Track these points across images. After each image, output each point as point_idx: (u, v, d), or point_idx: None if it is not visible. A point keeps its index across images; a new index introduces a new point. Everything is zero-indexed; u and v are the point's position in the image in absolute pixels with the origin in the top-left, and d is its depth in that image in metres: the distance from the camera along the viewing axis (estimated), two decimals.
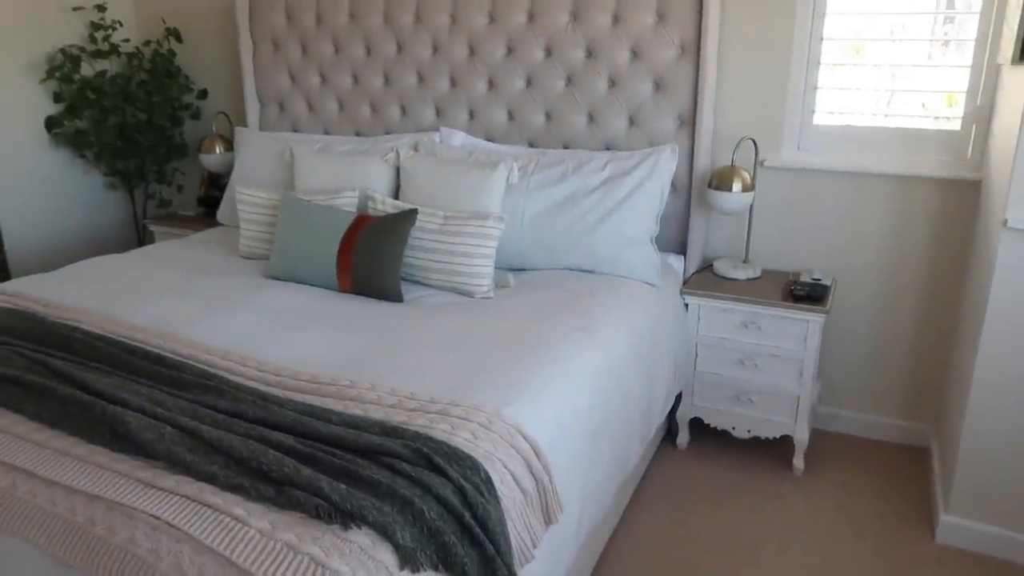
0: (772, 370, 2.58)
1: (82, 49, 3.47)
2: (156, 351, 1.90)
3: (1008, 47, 2.15)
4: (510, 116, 2.96)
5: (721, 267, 2.74)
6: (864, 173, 2.67)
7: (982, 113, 2.51)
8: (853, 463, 2.73)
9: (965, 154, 2.58)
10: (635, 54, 2.72)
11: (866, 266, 2.75)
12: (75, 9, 3.48)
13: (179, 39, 3.63)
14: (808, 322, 2.49)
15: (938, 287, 2.68)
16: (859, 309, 2.79)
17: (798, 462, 2.64)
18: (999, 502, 2.19)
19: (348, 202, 2.64)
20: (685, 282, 2.71)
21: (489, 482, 1.46)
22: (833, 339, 2.83)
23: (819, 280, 2.61)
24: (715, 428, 2.73)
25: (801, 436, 2.60)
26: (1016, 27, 2.06)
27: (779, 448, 2.75)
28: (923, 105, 2.65)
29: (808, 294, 2.51)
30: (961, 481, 2.23)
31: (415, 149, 2.86)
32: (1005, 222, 2.02)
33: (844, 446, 2.84)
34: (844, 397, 2.90)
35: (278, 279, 2.50)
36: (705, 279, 2.71)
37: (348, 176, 2.74)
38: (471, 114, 3.03)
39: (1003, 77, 2.38)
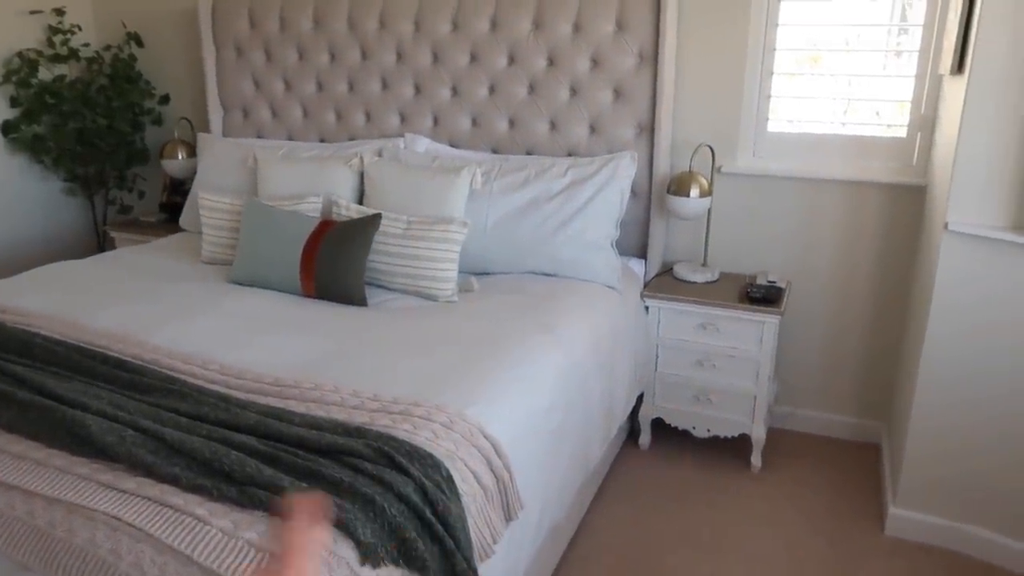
0: (730, 370, 2.65)
1: (39, 53, 3.43)
2: (117, 356, 1.89)
3: (948, 58, 2.24)
4: (474, 123, 3.00)
5: (680, 271, 2.80)
6: (817, 179, 2.76)
7: (926, 121, 2.62)
8: (808, 460, 2.81)
9: (911, 160, 2.68)
10: (595, 63, 2.78)
11: (820, 269, 2.84)
12: (32, 12, 3.44)
13: (140, 44, 3.61)
14: (763, 323, 2.56)
15: (888, 289, 2.77)
16: (813, 311, 2.88)
17: (756, 460, 2.71)
18: (944, 495, 2.28)
19: (312, 207, 2.65)
20: (646, 285, 2.77)
21: (450, 480, 1.49)
22: (789, 340, 2.91)
23: (774, 283, 2.68)
24: (676, 428, 2.79)
25: (758, 435, 2.67)
26: (954, 39, 2.16)
27: (738, 446, 2.82)
28: (877, 114, 2.74)
29: (764, 296, 2.58)
30: (908, 475, 2.31)
31: (379, 155, 2.88)
32: (946, 225, 2.10)
33: (800, 444, 2.92)
34: (800, 396, 2.98)
35: (241, 284, 2.50)
36: (665, 282, 2.77)
37: (312, 182, 2.75)
38: (435, 120, 3.06)
39: (944, 87, 2.48)
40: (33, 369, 1.79)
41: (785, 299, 2.63)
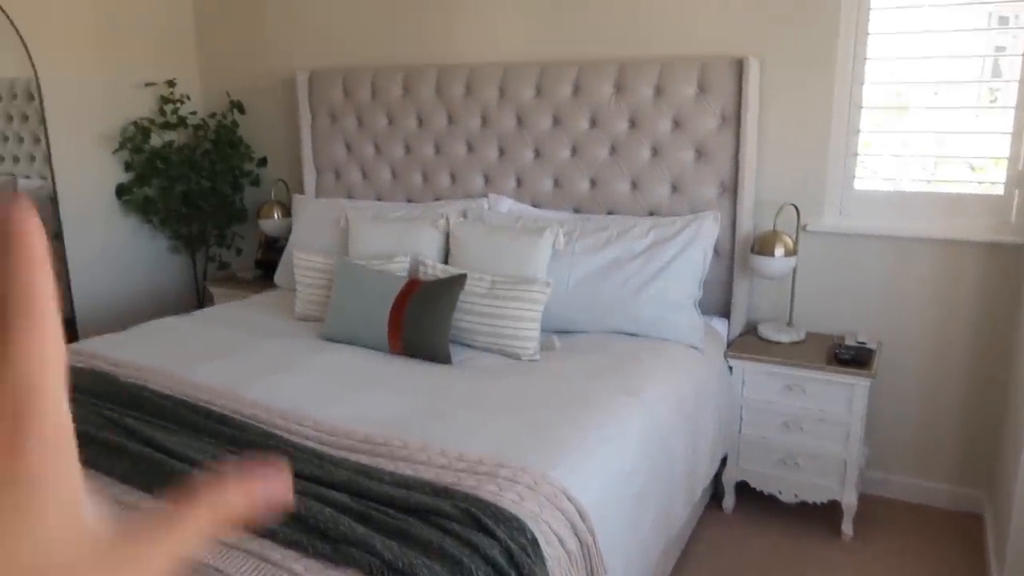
0: (818, 434, 2.58)
1: (152, 121, 3.70)
2: (219, 411, 2.00)
3: None
4: (556, 183, 3.07)
5: (765, 330, 2.76)
6: (908, 238, 2.69)
7: None
8: (904, 530, 2.68)
9: (1009, 218, 2.59)
10: (677, 124, 2.82)
11: (912, 329, 2.74)
12: (148, 85, 3.73)
13: (242, 111, 3.85)
14: (854, 386, 2.49)
15: (987, 349, 2.65)
16: (906, 372, 2.78)
17: (847, 528, 2.61)
18: None
19: (400, 267, 2.75)
20: (729, 345, 2.74)
21: (535, 543, 1.50)
22: (881, 402, 2.81)
23: (864, 344, 2.61)
24: (762, 492, 2.72)
25: (849, 501, 2.57)
26: None
27: (827, 513, 2.72)
28: (972, 169, 2.67)
29: (853, 358, 2.51)
30: (1016, 550, 2.18)
31: (464, 215, 2.97)
32: None
33: (894, 512, 2.79)
34: (893, 462, 2.86)
35: (333, 341, 2.60)
36: (749, 342, 2.73)
37: (400, 242, 2.86)
38: (518, 181, 3.14)
39: None
40: (143, 422, 1.91)
41: (876, 361, 2.55)
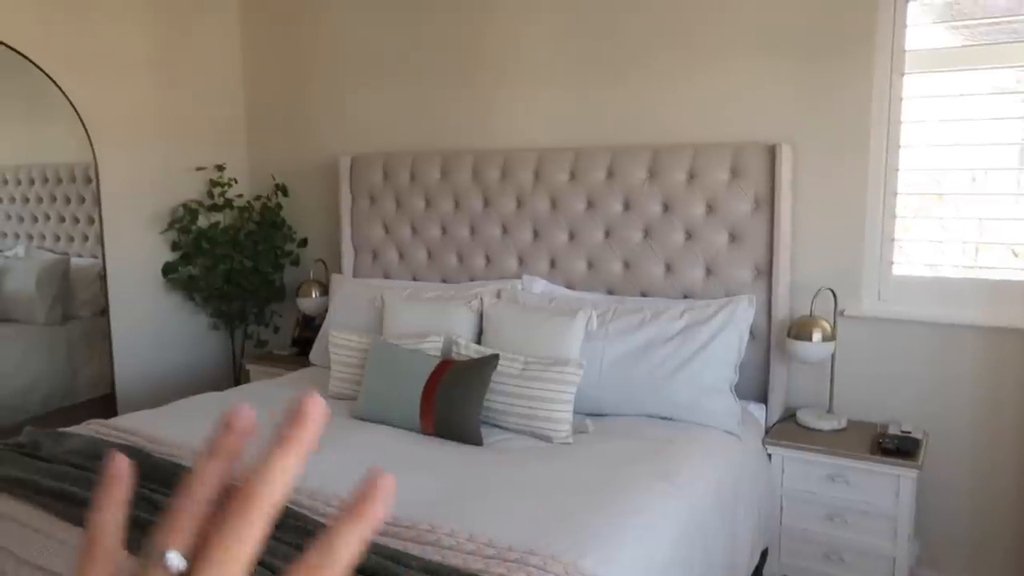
0: (863, 527, 2.47)
1: (200, 203, 3.85)
2: None
3: None
4: (589, 265, 3.09)
5: (804, 417, 2.69)
6: (950, 324, 2.63)
7: None
8: None
9: None
10: (710, 207, 2.84)
11: (959, 418, 2.65)
12: (199, 169, 3.89)
13: (285, 193, 3.98)
14: (899, 477, 2.40)
15: None
16: (955, 464, 2.67)
17: None
18: None
19: (433, 346, 2.76)
20: (767, 431, 2.67)
21: None
22: (929, 496, 2.69)
23: (908, 433, 2.53)
24: None
25: None
26: None
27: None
28: (1014, 255, 2.63)
29: (898, 447, 2.43)
30: None
31: (498, 296, 3.00)
32: None
33: None
34: (945, 560, 2.72)
35: (365, 420, 2.59)
36: (788, 429, 2.66)
37: (434, 321, 2.88)
38: (552, 263, 3.17)
39: None
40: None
41: (923, 451, 2.46)
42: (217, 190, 3.88)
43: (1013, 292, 2.58)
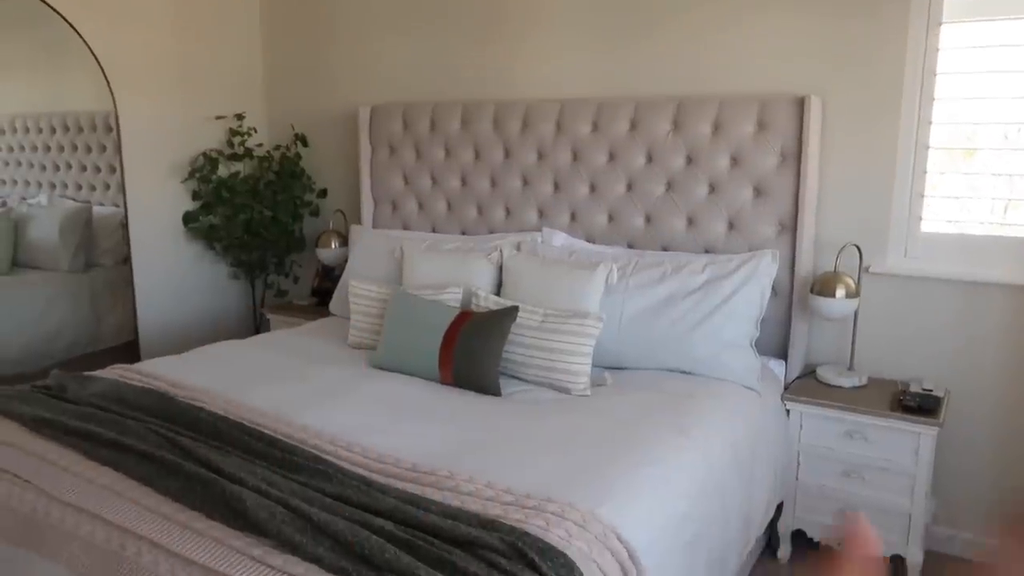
0: (881, 484, 2.47)
1: (220, 153, 3.84)
2: (271, 434, 2.01)
3: None
4: (610, 218, 3.06)
5: (825, 373, 2.68)
6: (977, 282, 2.59)
7: None
8: None
9: None
10: (735, 161, 2.79)
11: (982, 377, 2.63)
12: (218, 118, 3.87)
13: (305, 143, 3.96)
14: (920, 435, 2.39)
15: None
16: (976, 423, 2.65)
17: None
18: None
19: (452, 298, 2.76)
20: (787, 387, 2.66)
21: None
22: (949, 454, 2.68)
23: (930, 391, 2.50)
24: (819, 542, 2.61)
25: (914, 558, 2.45)
26: None
27: (890, 569, 2.58)
28: None
29: (919, 405, 2.41)
30: None
31: (518, 248, 2.98)
32: None
33: (963, 571, 2.64)
34: (963, 518, 2.72)
35: (384, 369, 2.61)
36: (808, 385, 2.65)
37: (454, 273, 2.87)
38: (573, 216, 3.14)
39: None
40: (198, 442, 1.93)
41: (944, 409, 2.44)
42: (237, 139, 3.87)
43: None
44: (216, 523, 1.59)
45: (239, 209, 3.79)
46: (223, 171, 3.86)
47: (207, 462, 1.78)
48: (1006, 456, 2.63)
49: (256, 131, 3.98)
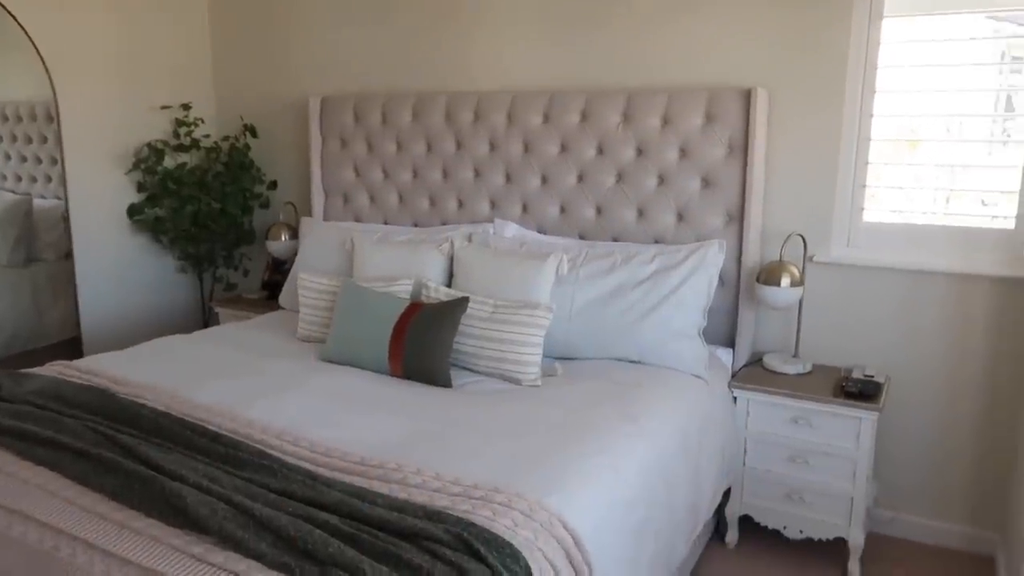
0: (824, 468, 2.53)
1: (166, 143, 3.75)
2: (214, 429, 1.98)
3: None
4: (562, 210, 3.07)
5: (771, 361, 2.73)
6: (918, 271, 2.66)
7: None
8: (912, 570, 2.61)
9: (1020, 252, 2.56)
10: (684, 152, 2.81)
11: (922, 364, 2.70)
12: (163, 108, 3.78)
13: (255, 134, 3.89)
14: (860, 420, 2.45)
15: (999, 386, 2.61)
16: (916, 408, 2.73)
17: (853, 567, 2.54)
18: None
19: (403, 289, 2.74)
20: (734, 375, 2.70)
21: (528, 571, 1.47)
22: (890, 439, 2.76)
23: (872, 377, 2.57)
24: (766, 527, 2.66)
25: (856, 539, 2.51)
26: None
27: (833, 551, 2.65)
28: (983, 203, 2.65)
29: (860, 391, 2.47)
30: None
31: (469, 240, 2.97)
32: None
33: (903, 552, 2.72)
34: (903, 500, 2.80)
35: (333, 362, 2.58)
36: (754, 373, 2.70)
37: (404, 265, 2.85)
38: (524, 207, 3.14)
39: None
40: (138, 439, 1.89)
41: (884, 395, 2.51)
42: (183, 130, 3.79)
43: (982, 239, 2.61)
44: (155, 521, 1.55)
45: (186, 201, 3.71)
46: (169, 162, 3.77)
47: (147, 459, 1.75)
48: (946, 440, 2.71)
49: (203, 122, 3.89)
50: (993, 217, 2.61)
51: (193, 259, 3.90)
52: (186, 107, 3.79)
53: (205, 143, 3.86)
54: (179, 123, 3.78)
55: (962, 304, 2.63)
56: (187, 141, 3.79)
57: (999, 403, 2.61)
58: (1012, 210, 2.57)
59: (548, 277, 2.62)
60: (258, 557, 1.43)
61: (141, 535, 1.52)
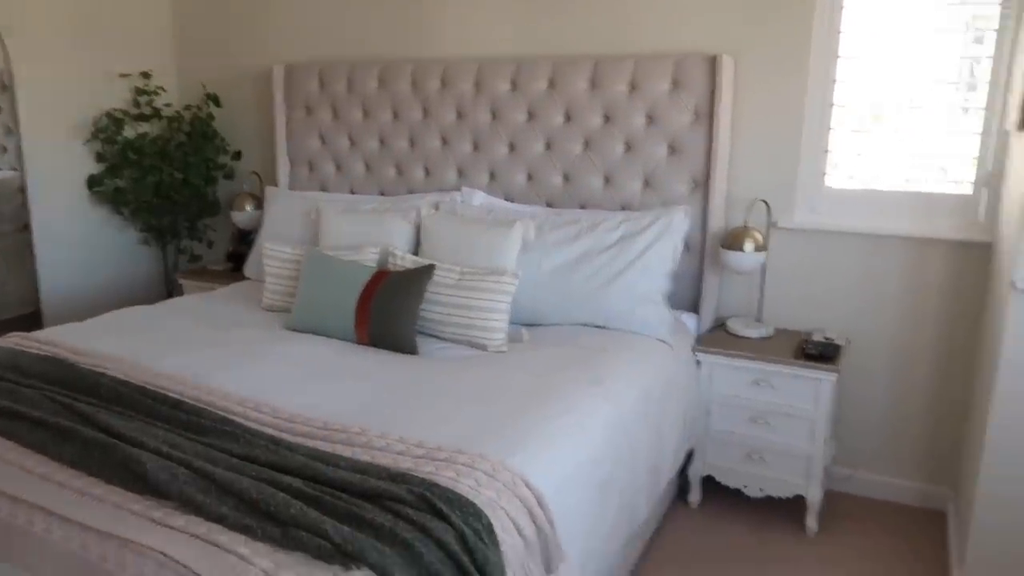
0: (785, 429, 2.58)
1: (126, 113, 3.67)
2: (176, 397, 1.97)
3: (1013, 114, 2.20)
4: (530, 177, 3.06)
5: (734, 325, 2.76)
6: (878, 235, 2.71)
7: (993, 178, 2.55)
8: (868, 525, 2.68)
9: (977, 217, 2.61)
10: (650, 119, 2.82)
11: (881, 327, 2.76)
12: (122, 76, 3.69)
13: (218, 103, 3.82)
14: (819, 381, 2.50)
15: (953, 348, 2.67)
16: (874, 370, 2.79)
17: (811, 523, 2.61)
18: (1015, 564, 2.14)
19: (369, 257, 2.73)
20: (698, 339, 2.73)
21: (490, 529, 1.49)
22: (848, 400, 2.82)
23: (831, 340, 2.62)
24: (727, 486, 2.72)
25: (814, 497, 2.57)
26: (1020, 96, 2.12)
27: (792, 508, 2.72)
28: (943, 170, 2.69)
29: (820, 353, 2.52)
30: (976, 546, 2.18)
31: (436, 208, 2.96)
32: (1013, 284, 2.03)
33: (859, 508, 2.79)
34: (859, 458, 2.87)
35: (299, 331, 2.57)
36: (718, 337, 2.74)
37: (370, 233, 2.84)
38: (492, 175, 3.13)
39: (1010, 143, 2.42)
40: (98, 408, 1.87)
41: (843, 356, 2.56)
42: (143, 99, 3.71)
43: (940, 205, 2.65)
44: (115, 488, 1.55)
45: (148, 172, 3.64)
46: (129, 132, 3.70)
47: (106, 427, 1.73)
48: (901, 400, 2.78)
49: (164, 90, 3.81)
50: (955, 183, 2.65)
51: (156, 231, 3.84)
52: (146, 75, 3.71)
53: (166, 112, 3.78)
54: (139, 92, 3.70)
55: (920, 268, 2.68)
56: (148, 110, 3.71)
57: (953, 364, 2.68)
58: (970, 176, 2.61)
59: (514, 244, 2.62)
60: (219, 520, 1.43)
61: (101, 502, 1.51)
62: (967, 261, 2.61)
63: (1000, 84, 2.49)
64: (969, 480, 2.35)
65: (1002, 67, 2.48)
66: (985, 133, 2.55)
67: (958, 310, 2.64)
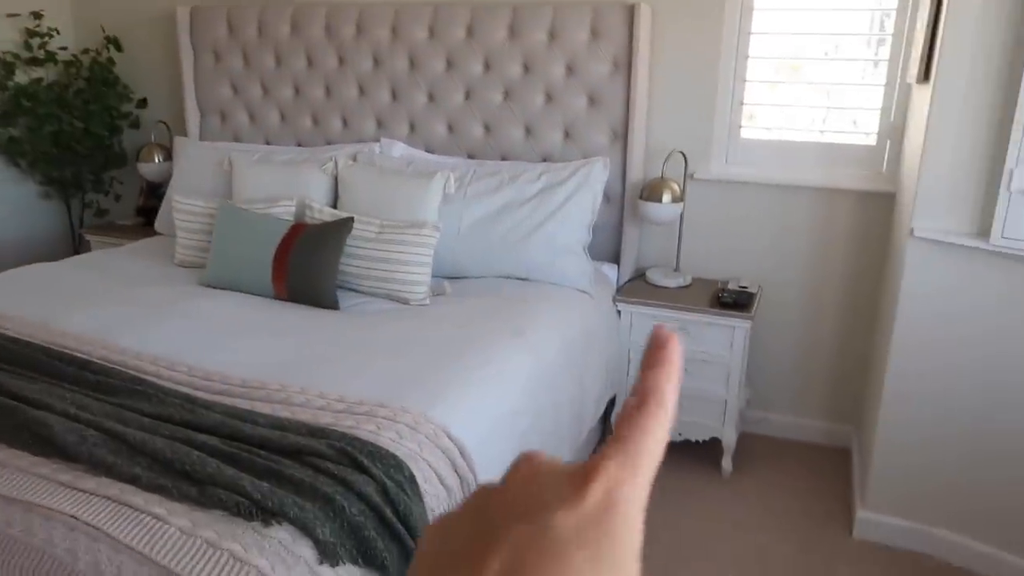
0: (702, 375, 2.67)
1: (16, 56, 3.42)
2: (83, 357, 1.89)
3: (915, 67, 2.28)
4: (450, 128, 3.02)
5: (653, 276, 2.83)
6: (790, 186, 2.79)
7: (896, 129, 2.66)
8: (779, 464, 2.83)
9: (881, 168, 2.72)
10: (570, 70, 2.81)
11: (792, 275, 2.87)
12: (9, 16, 3.43)
13: (119, 48, 3.60)
14: (734, 328, 2.59)
15: (859, 295, 2.80)
16: (785, 317, 2.91)
17: (726, 464, 2.73)
18: (911, 498, 2.30)
19: (285, 211, 2.66)
20: (618, 290, 2.79)
21: (412, 480, 1.50)
22: (761, 346, 2.94)
23: (745, 288, 2.71)
24: None
25: (729, 439, 2.69)
26: (921, 49, 2.20)
27: (709, 451, 2.83)
28: (854, 123, 2.78)
29: (735, 301, 2.61)
30: (876, 479, 2.34)
31: (354, 159, 2.89)
32: (912, 231, 2.14)
33: (771, 448, 2.94)
34: (772, 402, 3.01)
35: (213, 287, 2.50)
36: (638, 287, 2.79)
37: (286, 185, 2.76)
38: (412, 126, 3.07)
39: (912, 95, 2.52)
40: None
41: (756, 304, 2.66)
42: (35, 41, 3.46)
43: (848, 155, 2.75)
44: (19, 452, 1.49)
45: (44, 120, 3.42)
46: (22, 77, 3.45)
47: (8, 390, 1.65)
48: (810, 344, 2.91)
49: (58, 32, 3.57)
50: (864, 135, 2.74)
51: (58, 183, 3.63)
52: (37, 15, 3.46)
53: (62, 56, 3.55)
54: (30, 33, 3.45)
55: (829, 218, 2.78)
56: (41, 54, 3.48)
57: (858, 309, 2.82)
58: (875, 127, 2.71)
59: (435, 196, 2.59)
60: (132, 481, 1.39)
61: (5, 466, 1.45)
62: (873, 211, 2.72)
63: (903, 37, 2.58)
64: (870, 419, 2.50)
65: (905, 20, 2.56)
66: (889, 85, 2.64)
67: (864, 259, 2.77)
